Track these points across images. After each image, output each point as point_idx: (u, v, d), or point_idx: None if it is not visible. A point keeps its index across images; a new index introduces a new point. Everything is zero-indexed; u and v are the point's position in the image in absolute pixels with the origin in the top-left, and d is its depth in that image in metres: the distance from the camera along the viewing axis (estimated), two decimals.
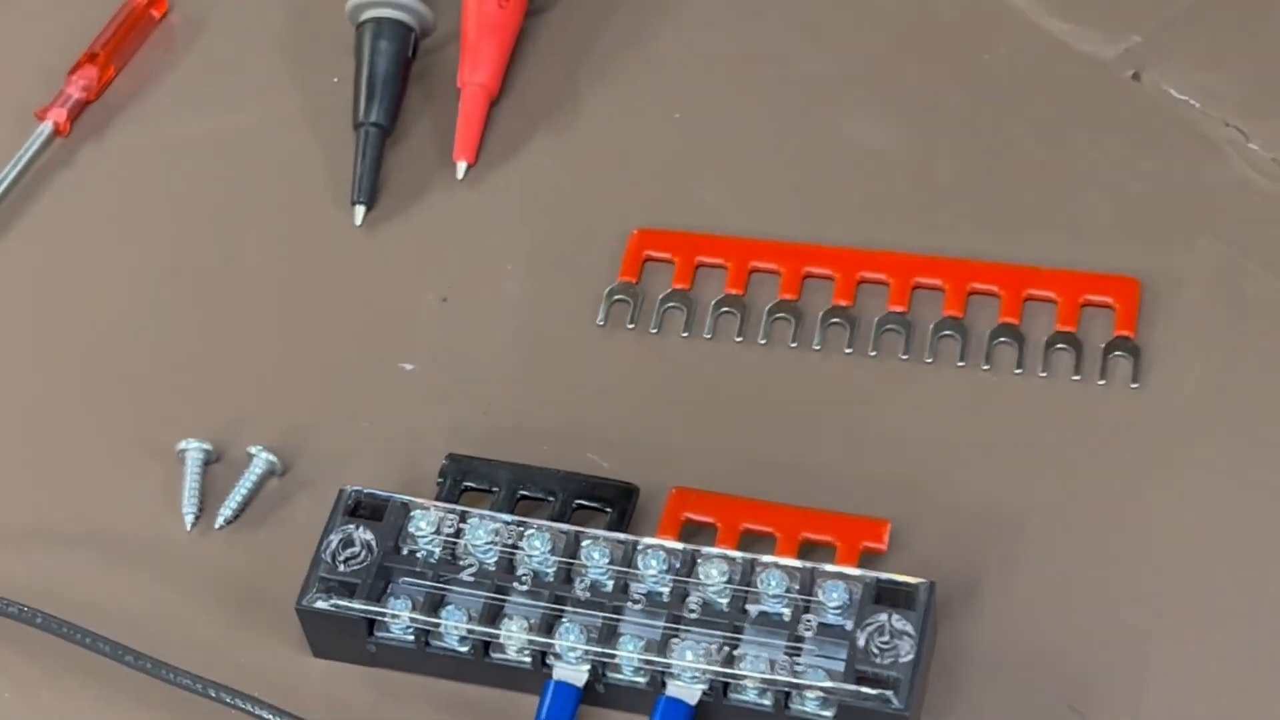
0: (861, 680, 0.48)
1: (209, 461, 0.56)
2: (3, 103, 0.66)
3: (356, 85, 0.63)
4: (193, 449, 0.56)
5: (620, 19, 0.65)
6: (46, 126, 0.64)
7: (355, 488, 0.53)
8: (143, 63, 0.66)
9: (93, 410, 0.58)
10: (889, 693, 0.48)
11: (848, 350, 0.57)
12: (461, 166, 0.62)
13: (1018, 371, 0.56)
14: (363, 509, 0.53)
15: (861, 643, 0.49)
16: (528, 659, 0.51)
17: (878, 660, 0.48)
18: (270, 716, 0.50)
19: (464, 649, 0.51)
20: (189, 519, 0.55)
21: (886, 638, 0.49)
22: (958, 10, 0.64)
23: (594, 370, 0.58)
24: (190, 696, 0.51)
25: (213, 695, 0.51)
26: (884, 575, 0.50)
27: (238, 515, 0.55)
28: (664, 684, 0.50)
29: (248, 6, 0.67)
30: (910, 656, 0.48)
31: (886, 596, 0.50)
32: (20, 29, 0.68)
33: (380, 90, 0.62)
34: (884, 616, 0.49)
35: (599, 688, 0.51)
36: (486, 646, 0.51)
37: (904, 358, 0.56)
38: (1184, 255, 0.57)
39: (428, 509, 0.53)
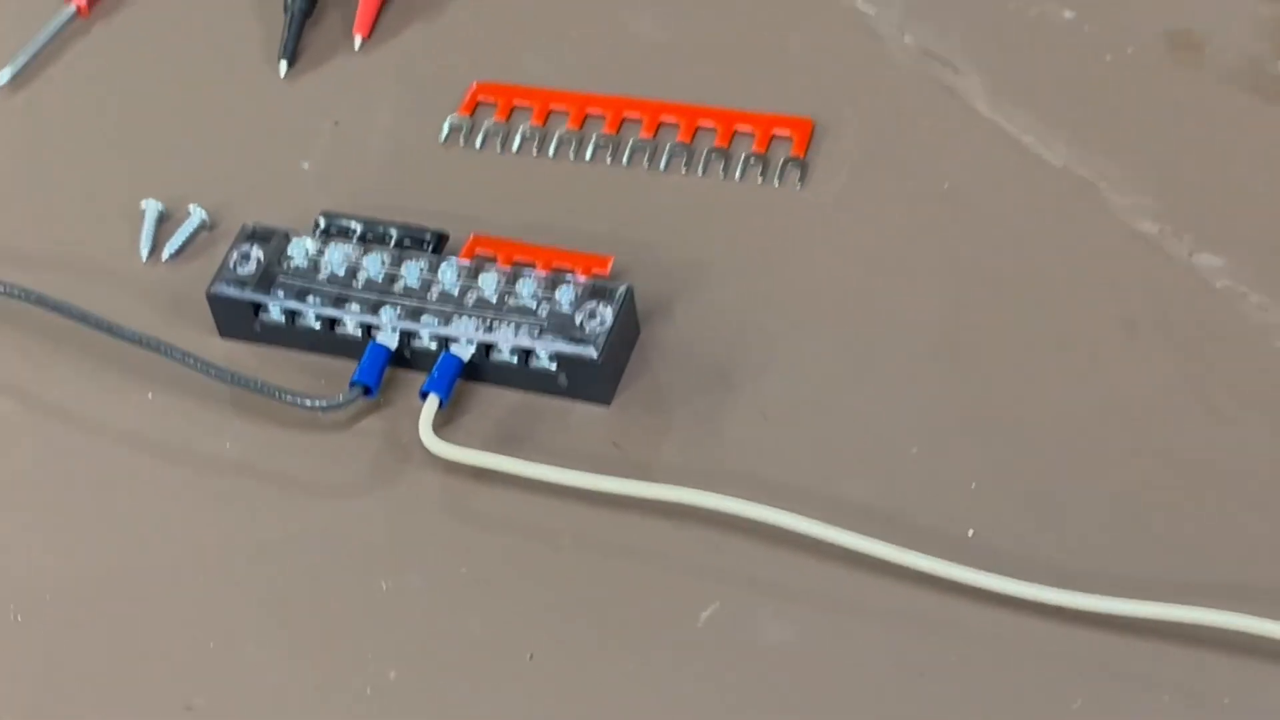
0: (572, 339, 0.69)
1: (163, 217, 0.76)
2: None
3: None
4: (150, 206, 0.76)
5: None
6: (70, 9, 0.84)
7: (254, 221, 0.74)
8: None
9: (90, 186, 0.78)
10: (589, 346, 0.68)
11: (609, 162, 0.76)
12: (358, 39, 0.81)
13: (722, 178, 0.75)
14: (257, 235, 0.73)
15: (577, 321, 0.69)
16: (360, 333, 0.71)
17: (585, 331, 0.69)
18: (184, 358, 0.69)
19: (318, 325, 0.71)
20: (144, 253, 0.75)
21: (592, 319, 0.69)
22: None
23: (433, 171, 0.77)
24: (139, 352, 0.70)
25: (149, 345, 0.70)
26: (598, 281, 0.70)
27: (179, 253, 0.75)
28: (448, 347, 0.71)
29: None
30: (605, 326, 0.68)
31: (597, 294, 0.69)
32: None
33: None
34: (593, 304, 0.69)
35: (406, 353, 0.70)
36: (333, 324, 0.71)
37: (647, 167, 0.76)
38: (848, 109, 0.76)
39: (302, 236, 0.73)
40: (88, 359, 0.72)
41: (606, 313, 0.69)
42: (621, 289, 0.69)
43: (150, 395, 0.71)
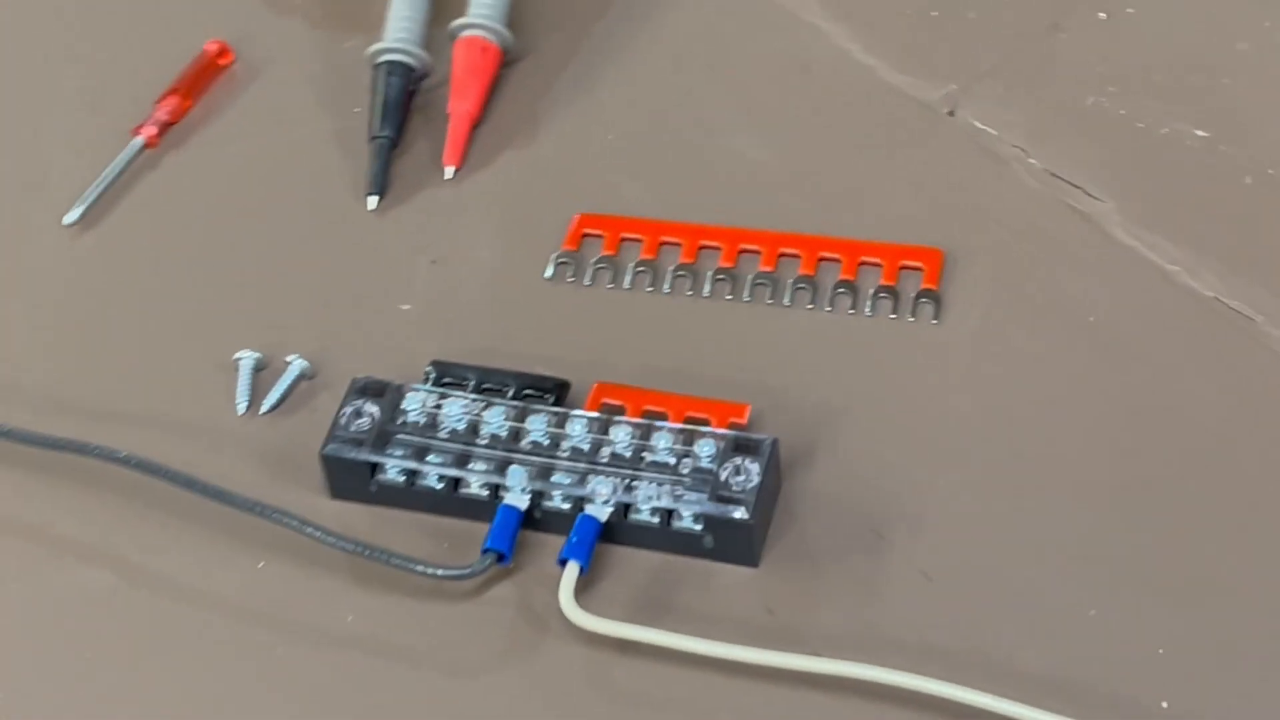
0: (719, 500, 0.64)
1: (258, 369, 0.72)
2: (105, 122, 0.80)
3: (371, 109, 0.78)
4: (245, 357, 0.71)
5: (574, 67, 0.80)
6: (139, 140, 0.80)
7: (365, 375, 0.68)
8: (213, 98, 0.81)
9: (177, 337, 0.73)
10: (738, 507, 0.64)
11: (729, 297, 0.72)
12: (449, 170, 0.77)
13: (851, 312, 0.71)
14: (369, 390, 0.68)
15: (722, 478, 0.64)
16: (486, 493, 0.66)
17: (733, 489, 0.64)
18: (301, 526, 0.64)
19: (440, 486, 0.66)
20: (241, 407, 0.71)
21: (739, 476, 0.65)
22: (827, 67, 0.79)
23: (542, 311, 0.73)
24: (245, 518, 0.65)
25: (261, 513, 0.66)
26: (740, 434, 0.66)
27: (277, 406, 0.70)
28: (583, 508, 0.66)
29: (295, 58, 0.82)
30: (754, 484, 0.64)
31: (741, 448, 0.65)
32: (116, 69, 0.82)
33: (390, 112, 0.78)
34: (739, 460, 0.65)
35: (536, 514, 0.66)
36: (456, 484, 0.67)
37: (770, 303, 0.72)
38: (977, 236, 0.72)
39: (417, 390, 0.68)
40: (191, 525, 0.67)
41: (754, 469, 0.64)
42: (768, 443, 0.65)
43: (261, 564, 0.66)
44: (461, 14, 0.80)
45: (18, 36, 0.85)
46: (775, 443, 0.65)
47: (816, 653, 0.62)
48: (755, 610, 0.64)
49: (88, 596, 0.66)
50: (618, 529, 0.65)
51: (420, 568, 0.64)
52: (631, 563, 0.65)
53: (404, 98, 0.78)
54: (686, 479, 0.65)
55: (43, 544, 0.68)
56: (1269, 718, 0.59)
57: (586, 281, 0.73)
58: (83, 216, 0.77)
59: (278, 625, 0.65)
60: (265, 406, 0.70)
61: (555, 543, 0.65)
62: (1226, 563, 0.63)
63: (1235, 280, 0.70)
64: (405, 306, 0.73)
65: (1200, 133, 0.74)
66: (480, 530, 0.66)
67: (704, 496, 0.64)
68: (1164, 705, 0.60)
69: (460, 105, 0.78)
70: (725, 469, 0.65)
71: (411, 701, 0.63)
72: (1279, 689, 0.60)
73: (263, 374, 0.71)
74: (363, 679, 0.63)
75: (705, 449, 0.65)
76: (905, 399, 0.69)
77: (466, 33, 0.79)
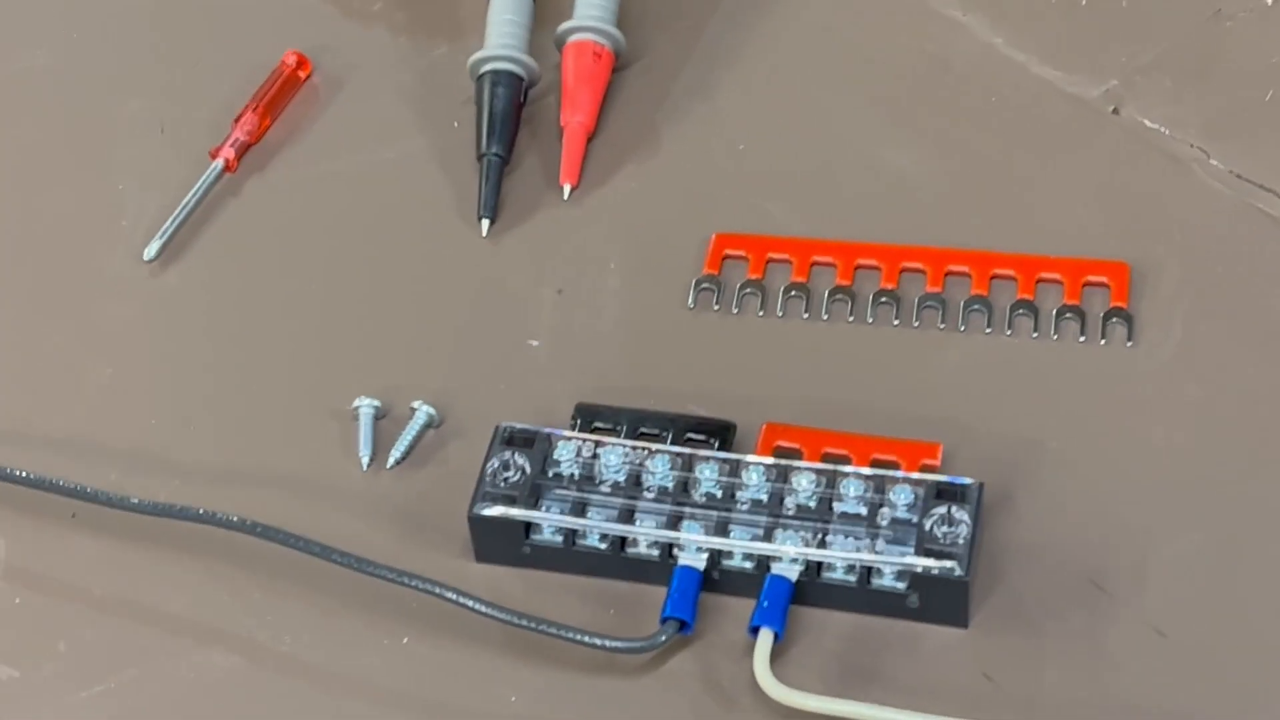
0: (928, 553, 0.58)
1: (378, 417, 0.65)
2: (182, 145, 0.73)
3: (478, 124, 0.71)
4: (365, 405, 0.65)
5: (689, 71, 0.74)
6: (219, 164, 0.73)
7: (509, 423, 0.62)
8: (292, 114, 0.74)
9: (282, 383, 0.66)
10: (953, 563, 0.58)
11: (895, 323, 0.66)
12: (566, 189, 0.71)
13: (1034, 336, 0.65)
14: (516, 440, 0.61)
15: (928, 528, 0.58)
16: (656, 553, 0.59)
17: (942, 540, 0.58)
18: (458, 598, 0.58)
19: (603, 546, 0.60)
20: (365, 460, 0.64)
21: (946, 525, 0.58)
22: (969, 63, 0.73)
23: (687, 343, 0.66)
24: (385, 588, 0.59)
25: (407, 583, 0.59)
26: (943, 477, 0.59)
27: (404, 458, 0.64)
28: (769, 568, 0.59)
29: (379, 68, 0.76)
30: (967, 534, 0.57)
31: (944, 494, 0.58)
32: (193, 87, 0.76)
33: (499, 127, 0.71)
34: (944, 509, 0.58)
35: (715, 574, 0.59)
36: (622, 544, 0.60)
37: (941, 327, 0.65)
38: (1162, 245, 0.66)
39: (569, 439, 0.61)
40: (321, 597, 0.60)
41: (963, 518, 0.57)
42: (974, 487, 0.58)
43: (405, 640, 0.59)
44: (566, 16, 0.74)
45: (84, 60, 0.78)
46: (981, 488, 0.58)
47: None
48: (972, 676, 0.57)
49: (210, 683, 0.59)
50: (807, 589, 0.58)
51: (595, 641, 0.58)
52: (823, 626, 0.58)
53: (514, 111, 0.72)
54: (885, 531, 0.58)
55: (155, 625, 0.60)
56: None
57: (734, 309, 0.67)
58: (163, 250, 0.70)
59: (429, 709, 0.58)
60: (391, 460, 0.63)
61: (736, 606, 0.58)
62: None
63: None
64: (534, 343, 0.67)
65: None
66: (648, 593, 0.59)
67: (908, 550, 0.57)
68: None
69: (574, 117, 0.72)
70: (929, 519, 0.58)
71: None
72: None
73: (384, 423, 0.64)
74: None
75: (902, 496, 0.58)
76: (1107, 431, 0.62)
77: (576, 36, 0.73)
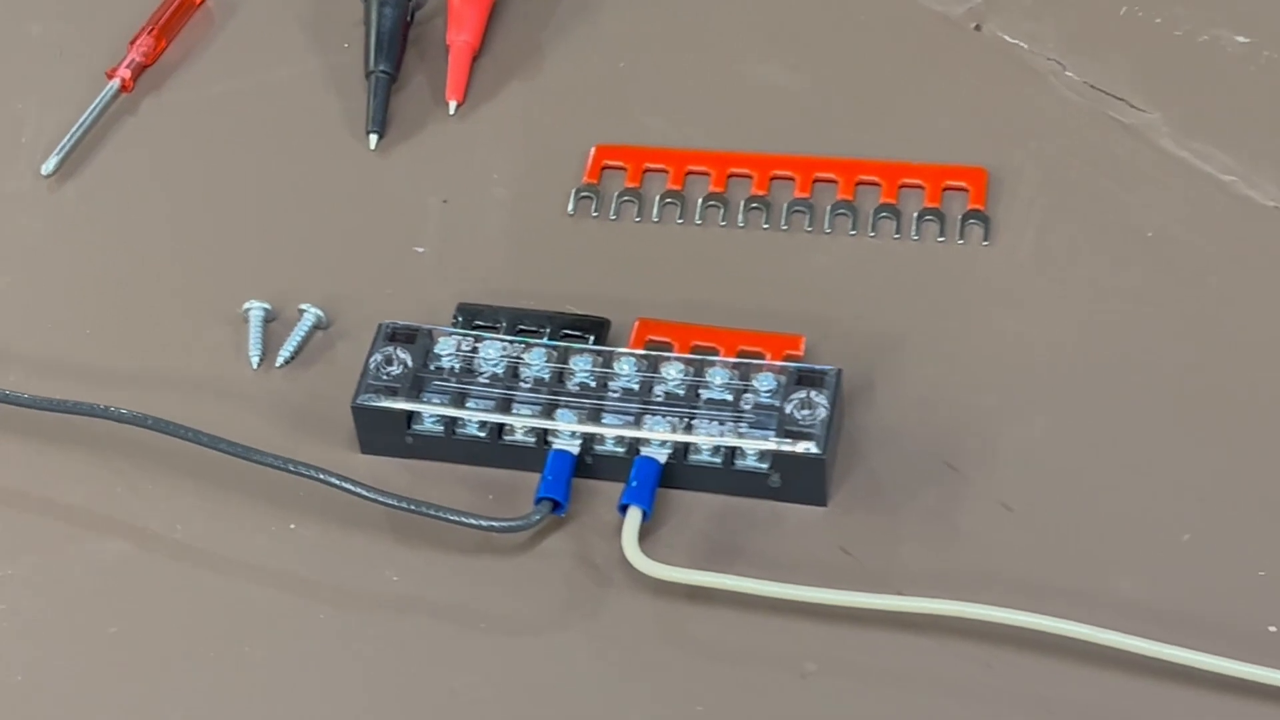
0: (788, 435, 0.61)
1: (268, 320, 0.68)
2: (79, 66, 0.75)
3: (366, 42, 0.74)
4: (255, 308, 0.67)
5: None
6: (115, 84, 0.75)
7: (393, 321, 0.65)
8: (187, 37, 0.76)
9: (177, 290, 0.69)
10: (809, 442, 0.61)
11: (765, 227, 0.69)
12: (453, 105, 0.73)
13: (896, 237, 0.68)
14: (398, 336, 0.64)
15: (788, 411, 0.61)
16: (532, 439, 0.62)
17: (801, 422, 0.61)
18: (340, 483, 0.61)
19: (482, 434, 0.63)
20: (254, 360, 0.66)
21: (806, 409, 0.62)
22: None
23: (566, 248, 0.69)
24: (273, 477, 0.61)
25: (293, 470, 0.61)
26: (803, 365, 0.62)
27: (293, 357, 0.66)
28: (639, 452, 0.62)
29: None
30: (824, 416, 0.60)
31: (805, 380, 0.62)
32: (90, 11, 0.77)
33: (386, 45, 0.73)
34: (804, 393, 0.61)
35: (588, 459, 0.62)
36: (499, 432, 0.63)
37: (808, 230, 0.68)
38: (1020, 152, 0.70)
39: (450, 335, 0.64)
40: (211, 488, 0.63)
41: (821, 401, 0.60)
42: (833, 373, 0.61)
43: (292, 525, 0.62)
44: None
45: None
46: (840, 374, 0.62)
47: (900, 592, 0.59)
48: (830, 551, 0.60)
49: (104, 569, 0.62)
50: (676, 472, 0.61)
51: (471, 520, 0.60)
52: (691, 507, 0.62)
53: (400, 30, 0.74)
54: (749, 415, 0.61)
55: (51, 516, 0.63)
56: None
57: (611, 215, 0.69)
58: (60, 165, 0.72)
59: (315, 590, 0.61)
60: (280, 359, 0.66)
61: (609, 490, 0.62)
62: None
63: None
64: (419, 249, 0.69)
65: (1241, 39, 0.71)
66: (525, 480, 0.62)
67: (770, 433, 0.61)
68: (1271, 629, 0.57)
69: (459, 36, 0.74)
70: (790, 403, 0.61)
71: (469, 665, 0.59)
72: None
73: (274, 325, 0.67)
74: (414, 643, 0.59)
75: (765, 383, 0.62)
76: (964, 324, 0.65)
77: None
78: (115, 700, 0.59)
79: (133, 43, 0.76)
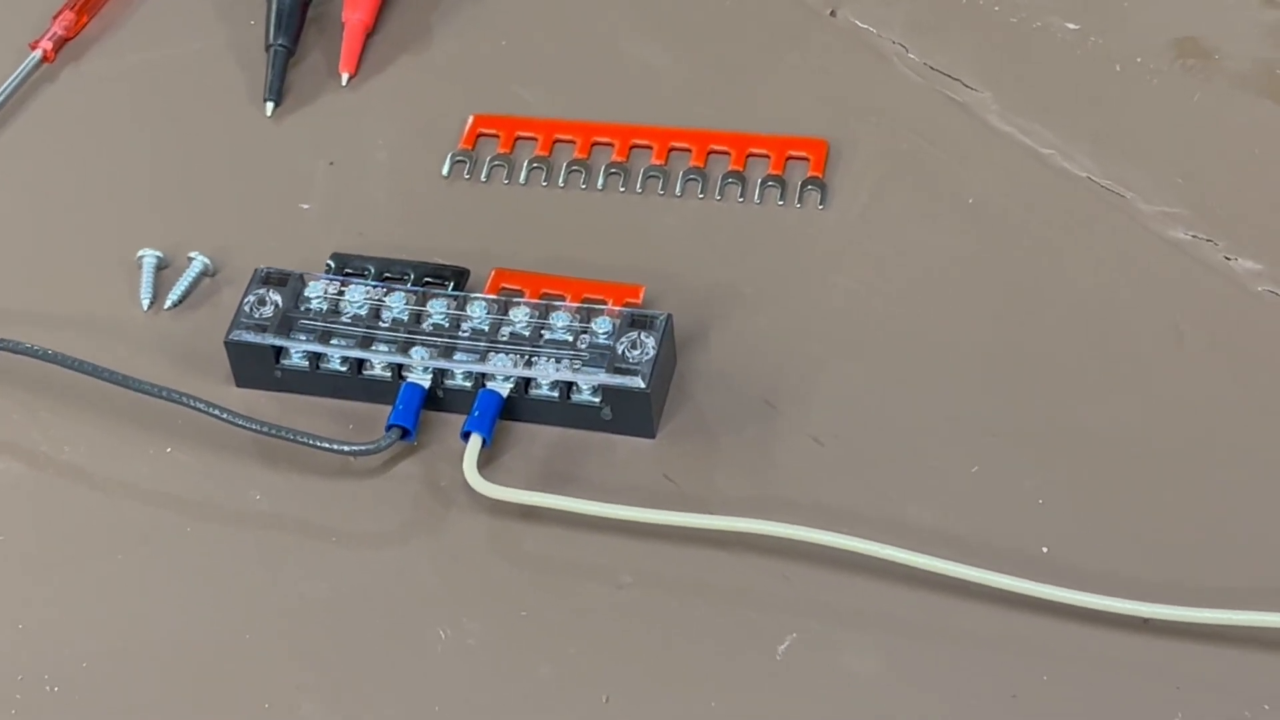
0: (616, 370, 0.66)
1: (161, 267, 0.73)
2: (4, 38, 0.80)
3: (267, 19, 0.79)
4: (148, 255, 0.73)
5: None
6: (36, 54, 0.80)
7: (267, 266, 0.70)
8: (107, 13, 0.81)
9: (80, 240, 0.74)
10: (635, 377, 0.66)
11: (621, 190, 0.74)
12: (345, 77, 0.79)
13: (740, 201, 0.73)
14: (272, 279, 0.69)
15: (620, 351, 0.66)
16: (389, 375, 0.68)
17: (630, 361, 0.66)
18: (209, 409, 0.66)
19: (344, 369, 0.68)
20: (145, 302, 0.72)
21: (636, 350, 0.67)
22: None
23: (439, 206, 0.74)
24: (153, 405, 0.67)
25: (169, 397, 0.67)
26: (636, 310, 0.68)
27: (181, 301, 0.72)
28: (484, 385, 0.68)
29: None
30: (651, 355, 0.66)
31: (637, 324, 0.67)
32: None
33: (285, 20, 0.79)
34: (635, 334, 0.67)
35: (439, 393, 0.68)
36: (360, 366, 0.68)
37: (661, 194, 0.74)
38: (861, 126, 0.75)
39: (318, 279, 0.70)
40: (97, 415, 0.68)
41: (650, 342, 0.66)
42: (663, 317, 0.67)
43: (169, 449, 0.67)
44: None
45: None
46: (669, 318, 0.67)
47: (712, 512, 0.64)
48: (654, 478, 0.66)
49: None
50: (518, 405, 0.67)
51: (326, 444, 0.66)
52: (532, 438, 0.67)
53: (299, 8, 0.79)
54: (585, 354, 0.67)
55: None
56: (1134, 554, 0.62)
57: (483, 178, 0.75)
58: None
59: (188, 507, 0.66)
60: (169, 302, 0.71)
61: (458, 421, 0.67)
62: (1096, 420, 0.66)
63: (1106, 161, 0.72)
64: (305, 206, 0.75)
65: (1071, 25, 0.77)
66: (384, 412, 0.67)
67: (602, 370, 0.66)
68: (1044, 550, 0.63)
69: (354, 15, 0.79)
70: (622, 343, 0.66)
71: (322, 575, 0.64)
72: (1150, 529, 0.63)
73: (166, 272, 0.73)
74: (273, 555, 0.65)
75: (602, 326, 0.67)
76: (794, 280, 0.71)
77: None
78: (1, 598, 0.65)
79: (55, 17, 0.81)
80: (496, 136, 0.76)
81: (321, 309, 0.69)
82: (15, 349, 0.69)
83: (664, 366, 0.67)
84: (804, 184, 0.73)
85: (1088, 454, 0.65)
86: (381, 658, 0.62)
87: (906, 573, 0.62)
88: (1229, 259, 0.69)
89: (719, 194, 0.73)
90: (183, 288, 0.72)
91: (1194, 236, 0.70)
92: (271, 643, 0.63)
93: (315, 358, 0.68)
